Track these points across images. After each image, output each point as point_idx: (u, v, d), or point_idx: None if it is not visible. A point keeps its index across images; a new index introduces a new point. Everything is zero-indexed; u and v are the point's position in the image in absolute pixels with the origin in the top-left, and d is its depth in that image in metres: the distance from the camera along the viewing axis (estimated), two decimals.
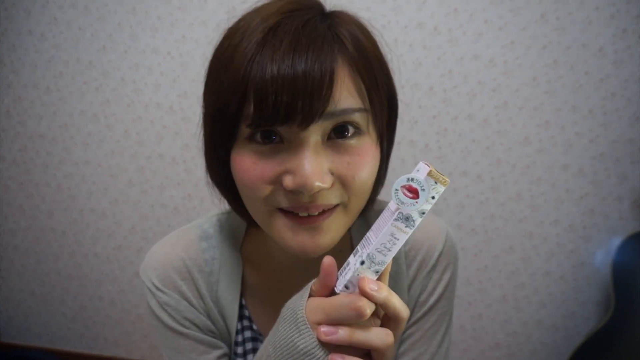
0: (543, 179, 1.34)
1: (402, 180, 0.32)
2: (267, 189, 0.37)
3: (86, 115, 1.50)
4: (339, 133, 0.37)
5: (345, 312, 0.33)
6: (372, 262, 0.34)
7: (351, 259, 0.36)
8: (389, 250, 0.33)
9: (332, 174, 0.37)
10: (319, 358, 0.34)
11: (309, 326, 0.34)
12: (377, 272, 0.34)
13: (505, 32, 1.25)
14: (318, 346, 0.34)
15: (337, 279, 0.36)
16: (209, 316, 0.49)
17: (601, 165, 1.30)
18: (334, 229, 0.39)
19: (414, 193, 0.32)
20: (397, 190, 0.32)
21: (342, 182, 0.37)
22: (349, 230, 0.49)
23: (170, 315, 0.47)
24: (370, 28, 0.40)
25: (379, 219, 0.35)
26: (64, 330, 1.76)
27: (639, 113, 1.26)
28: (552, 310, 1.44)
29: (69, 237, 1.64)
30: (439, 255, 0.51)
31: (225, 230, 0.51)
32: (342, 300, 0.33)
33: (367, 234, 0.36)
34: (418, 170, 0.33)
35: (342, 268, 0.36)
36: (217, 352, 0.49)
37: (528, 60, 1.26)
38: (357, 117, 0.37)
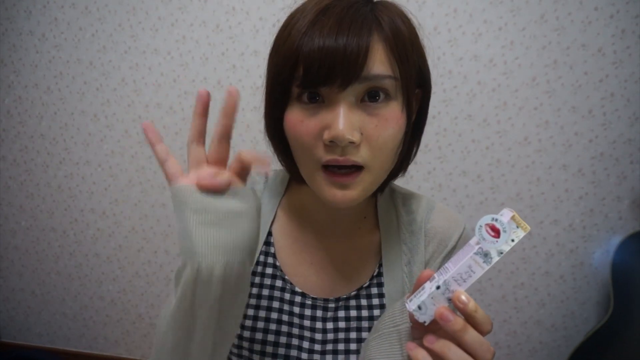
0: (542, 179, 1.34)
1: (487, 219, 0.36)
2: (312, 143, 0.45)
3: (87, 115, 1.51)
4: (371, 97, 0.44)
5: None
6: (447, 288, 0.36)
7: (427, 283, 0.38)
8: (464, 281, 0.36)
9: (361, 134, 0.44)
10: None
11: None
12: (449, 299, 0.36)
13: (504, 33, 1.25)
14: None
15: (410, 297, 0.39)
16: None
17: (600, 165, 1.31)
18: (360, 187, 0.46)
19: (496, 232, 0.36)
20: (480, 227, 0.36)
21: (368, 141, 0.44)
22: (375, 202, 0.60)
23: None
24: (410, 16, 0.49)
25: (459, 252, 0.38)
26: (65, 329, 1.77)
27: (639, 113, 1.26)
28: (552, 310, 1.44)
29: (69, 237, 1.65)
30: (457, 241, 0.58)
31: (270, 182, 0.62)
32: None
33: (446, 264, 0.38)
34: (502, 214, 0.37)
35: (417, 291, 0.39)
36: None
37: (528, 60, 1.26)
38: (387, 84, 0.44)
